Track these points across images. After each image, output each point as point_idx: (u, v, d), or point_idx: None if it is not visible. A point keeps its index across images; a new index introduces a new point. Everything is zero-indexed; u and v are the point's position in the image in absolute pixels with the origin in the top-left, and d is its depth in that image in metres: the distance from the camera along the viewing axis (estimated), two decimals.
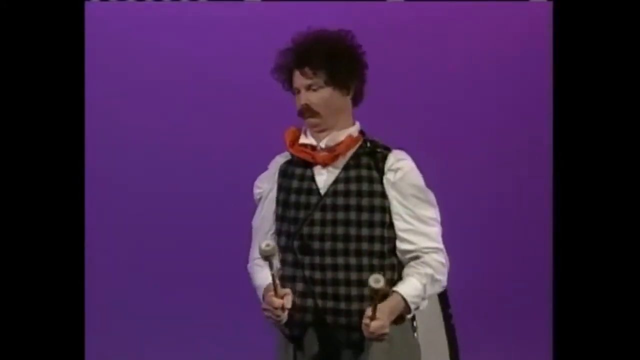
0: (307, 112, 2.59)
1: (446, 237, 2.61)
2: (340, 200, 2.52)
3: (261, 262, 2.58)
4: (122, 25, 7.39)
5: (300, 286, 2.55)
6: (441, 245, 2.60)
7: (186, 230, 7.58)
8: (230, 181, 7.88)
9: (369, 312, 2.39)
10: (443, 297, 2.81)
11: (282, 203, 2.62)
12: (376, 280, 2.32)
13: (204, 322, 5.08)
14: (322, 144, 2.59)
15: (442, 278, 2.58)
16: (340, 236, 2.51)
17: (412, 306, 2.50)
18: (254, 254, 2.68)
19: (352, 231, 2.51)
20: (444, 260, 2.60)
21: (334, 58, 2.57)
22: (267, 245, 2.45)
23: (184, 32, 7.66)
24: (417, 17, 7.75)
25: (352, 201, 2.51)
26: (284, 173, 2.64)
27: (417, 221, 2.55)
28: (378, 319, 2.39)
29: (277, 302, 2.45)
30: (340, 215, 2.51)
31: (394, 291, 2.50)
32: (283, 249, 2.60)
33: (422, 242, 2.55)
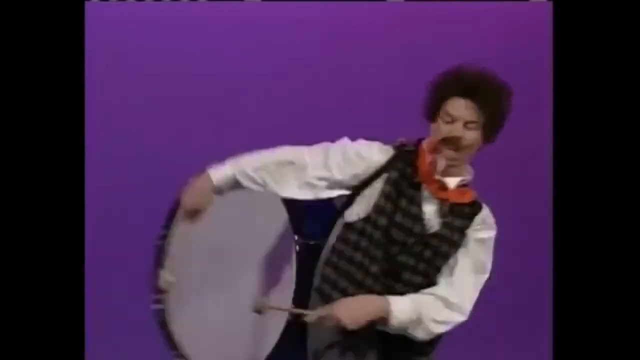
0: (452, 144, 2.50)
1: None
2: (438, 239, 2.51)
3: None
4: (122, 25, 7.40)
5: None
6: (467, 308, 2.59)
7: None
8: None
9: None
10: None
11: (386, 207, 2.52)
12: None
13: None
14: (452, 185, 2.54)
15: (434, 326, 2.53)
16: (422, 270, 2.54)
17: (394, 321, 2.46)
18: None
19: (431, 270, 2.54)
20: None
21: (499, 103, 2.50)
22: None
23: (184, 32, 7.67)
24: (417, 17, 7.76)
25: (445, 246, 2.52)
26: (395, 181, 2.50)
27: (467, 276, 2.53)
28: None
29: None
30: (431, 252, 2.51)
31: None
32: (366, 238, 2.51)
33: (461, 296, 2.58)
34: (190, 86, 7.59)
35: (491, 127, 2.51)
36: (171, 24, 7.47)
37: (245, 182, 2.57)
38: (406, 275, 2.49)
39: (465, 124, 2.48)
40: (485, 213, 2.57)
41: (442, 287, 2.50)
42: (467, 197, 2.53)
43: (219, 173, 2.57)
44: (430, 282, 2.49)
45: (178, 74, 7.54)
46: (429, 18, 7.82)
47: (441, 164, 2.47)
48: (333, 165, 2.51)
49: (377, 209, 2.47)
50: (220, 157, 7.14)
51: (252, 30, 7.59)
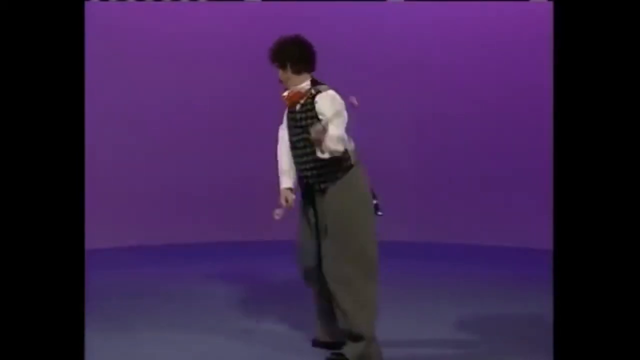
0: (280, 81, 4.38)
1: None
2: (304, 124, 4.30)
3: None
4: (122, 24, 7.43)
5: (298, 167, 4.37)
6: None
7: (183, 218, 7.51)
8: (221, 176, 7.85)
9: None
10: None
11: None
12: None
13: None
14: (285, 94, 4.38)
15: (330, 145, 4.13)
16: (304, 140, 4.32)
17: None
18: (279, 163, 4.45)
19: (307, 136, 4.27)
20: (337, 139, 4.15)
21: (279, 54, 4.33)
22: None
23: (184, 32, 7.70)
24: (418, 17, 7.78)
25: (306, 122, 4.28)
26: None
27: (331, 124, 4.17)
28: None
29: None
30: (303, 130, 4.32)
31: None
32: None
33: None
34: (188, 86, 7.63)
35: (283, 65, 4.31)
36: (171, 23, 7.50)
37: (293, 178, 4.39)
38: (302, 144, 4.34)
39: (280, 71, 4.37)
40: (318, 96, 4.25)
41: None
42: (294, 96, 4.31)
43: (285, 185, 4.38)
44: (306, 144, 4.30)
45: (177, 72, 7.58)
46: (430, 18, 7.86)
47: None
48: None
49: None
50: (217, 157, 7.05)
51: (252, 29, 7.62)
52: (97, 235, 6.28)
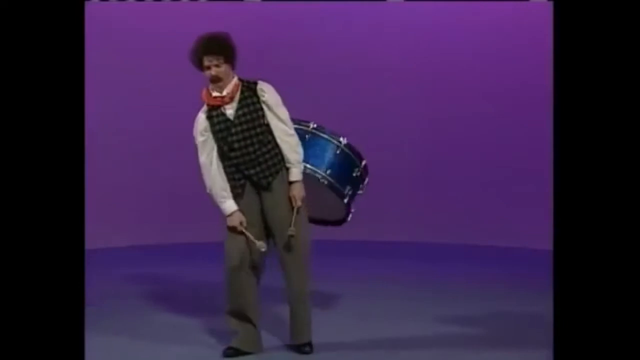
0: (215, 79, 4.18)
1: None
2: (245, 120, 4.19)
3: (225, 194, 4.22)
4: (122, 24, 7.43)
5: (237, 174, 4.20)
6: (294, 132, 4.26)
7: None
8: None
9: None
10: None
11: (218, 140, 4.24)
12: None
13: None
14: (224, 92, 4.21)
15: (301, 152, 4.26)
16: (254, 141, 4.18)
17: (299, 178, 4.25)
18: (214, 187, 4.21)
19: (256, 136, 4.19)
20: (298, 141, 4.26)
21: (225, 47, 4.18)
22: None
23: (183, 32, 7.69)
24: (418, 17, 7.78)
25: (248, 118, 4.18)
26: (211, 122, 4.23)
27: (285, 124, 4.22)
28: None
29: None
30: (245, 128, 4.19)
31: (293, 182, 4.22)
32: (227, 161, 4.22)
33: (294, 140, 4.25)
34: (187, 87, 7.61)
35: (229, 59, 4.18)
36: (171, 23, 7.49)
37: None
38: (237, 148, 4.18)
39: (215, 66, 4.16)
40: (259, 85, 4.20)
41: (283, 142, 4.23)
42: (238, 87, 4.20)
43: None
44: (253, 145, 4.18)
45: (177, 72, 7.57)
46: (430, 18, 7.85)
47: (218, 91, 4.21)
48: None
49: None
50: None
51: (252, 29, 7.62)
52: (97, 235, 6.28)
